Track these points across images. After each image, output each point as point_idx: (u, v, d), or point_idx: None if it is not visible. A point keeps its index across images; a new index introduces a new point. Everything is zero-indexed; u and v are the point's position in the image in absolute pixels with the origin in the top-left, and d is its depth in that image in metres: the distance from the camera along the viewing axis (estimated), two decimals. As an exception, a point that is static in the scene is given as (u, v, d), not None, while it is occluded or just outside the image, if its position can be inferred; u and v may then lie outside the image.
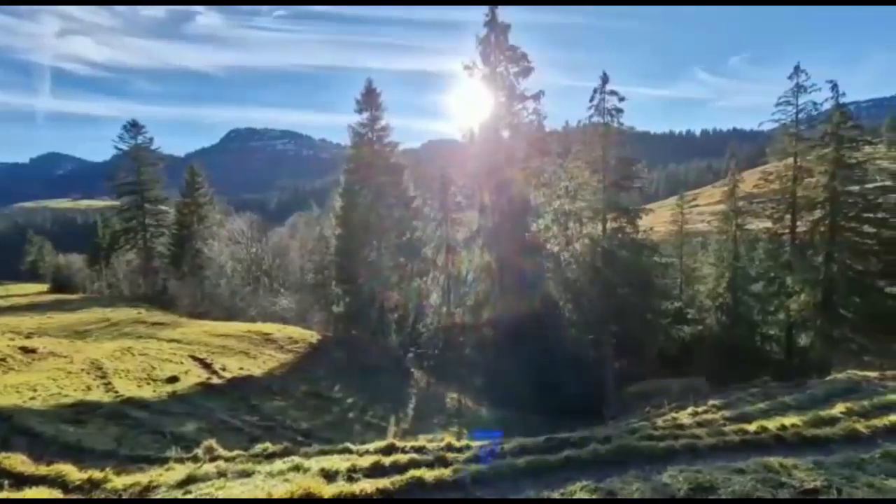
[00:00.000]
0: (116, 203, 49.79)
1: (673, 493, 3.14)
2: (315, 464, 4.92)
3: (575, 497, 3.20)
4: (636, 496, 3.12)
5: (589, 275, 22.23)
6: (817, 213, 27.11)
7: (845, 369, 11.09)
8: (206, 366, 17.95)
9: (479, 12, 24.71)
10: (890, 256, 24.18)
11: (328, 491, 3.77)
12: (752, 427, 5.47)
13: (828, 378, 10.00)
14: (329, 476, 4.56)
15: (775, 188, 29.73)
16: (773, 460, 3.53)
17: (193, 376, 16.06)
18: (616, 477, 3.44)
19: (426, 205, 31.12)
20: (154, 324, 25.06)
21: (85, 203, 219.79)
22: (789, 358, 28.59)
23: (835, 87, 26.55)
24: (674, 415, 9.78)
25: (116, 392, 12.05)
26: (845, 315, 25.71)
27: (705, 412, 9.21)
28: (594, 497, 3.15)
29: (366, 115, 30.36)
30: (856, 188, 25.85)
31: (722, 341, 32.52)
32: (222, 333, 24.15)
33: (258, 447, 6.86)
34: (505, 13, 24.31)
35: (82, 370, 13.19)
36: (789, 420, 5.61)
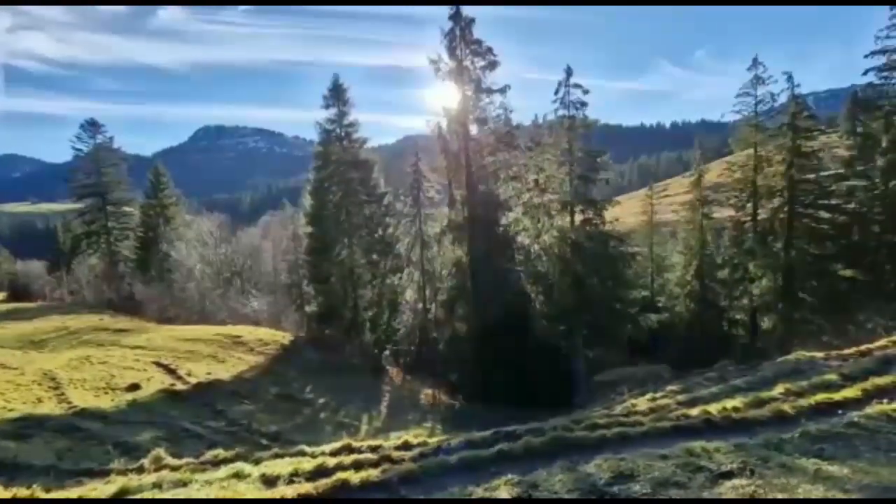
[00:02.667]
0: (79, 206, 47.79)
1: (594, 482, 3.18)
2: (258, 470, 4.81)
3: (497, 491, 3.21)
4: (557, 487, 3.16)
5: (558, 266, 22.51)
6: (777, 201, 28.08)
7: (804, 350, 11.50)
8: (171, 372, 17.48)
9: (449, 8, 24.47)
10: (843, 241, 25.22)
11: (248, 496, 3.68)
12: (694, 411, 5.61)
13: (779, 360, 10.36)
14: (269, 482, 4.47)
15: (738, 177, 30.71)
16: (697, 445, 3.62)
17: (157, 383, 15.62)
18: (543, 469, 3.47)
19: (399, 200, 30.87)
20: (117, 330, 24.25)
21: (46, 206, 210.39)
22: (753, 341, 29.65)
23: (790, 78, 27.47)
24: (633, 401, 9.98)
25: (70, 403, 11.59)
26: (804, 298, 26.80)
27: (663, 397, 9.44)
28: (515, 491, 3.17)
29: (333, 110, 29.80)
30: (812, 176, 26.87)
31: (691, 327, 33.55)
32: (190, 338, 23.53)
33: (209, 454, 6.71)
34: (472, 8, 24.29)
35: (33, 382, 12.63)
36: (731, 403, 5.77)
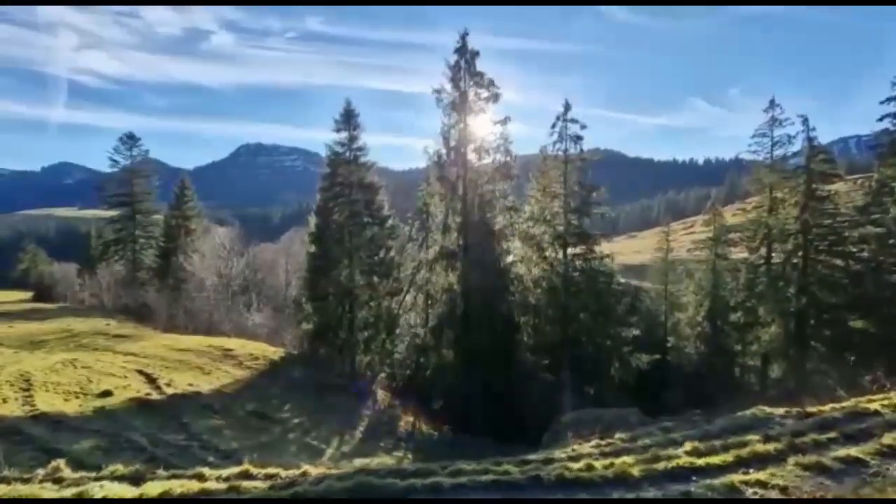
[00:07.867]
0: (113, 213, 50.47)
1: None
2: (108, 493, 4.83)
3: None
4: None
5: (548, 299, 22.12)
6: (790, 244, 27.06)
7: (823, 400, 10.85)
8: (151, 380, 17.80)
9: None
10: (858, 289, 23.86)
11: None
12: (577, 466, 5.33)
13: (737, 413, 9.76)
14: (108, 505, 4.47)
15: (752, 218, 29.91)
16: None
17: (131, 391, 15.91)
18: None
19: (407, 224, 31.24)
20: (116, 336, 25.03)
21: (91, 212, 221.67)
22: (764, 388, 28.12)
23: (805, 121, 26.91)
24: (575, 446, 9.58)
25: (33, 406, 11.95)
26: (816, 347, 25.37)
27: (608, 445, 9.02)
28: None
29: (344, 134, 30.69)
30: (827, 221, 25.81)
31: (699, 370, 32.08)
32: (183, 348, 24.02)
33: (108, 469, 6.75)
34: (483, 40, 24.89)
35: (6, 382, 13.12)
36: (621, 459, 5.46)
